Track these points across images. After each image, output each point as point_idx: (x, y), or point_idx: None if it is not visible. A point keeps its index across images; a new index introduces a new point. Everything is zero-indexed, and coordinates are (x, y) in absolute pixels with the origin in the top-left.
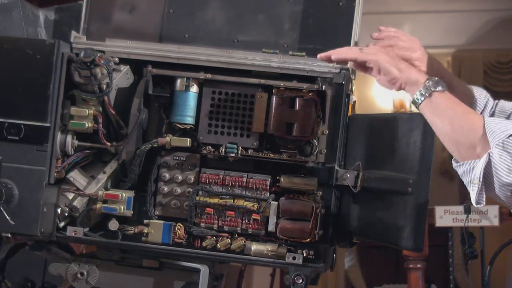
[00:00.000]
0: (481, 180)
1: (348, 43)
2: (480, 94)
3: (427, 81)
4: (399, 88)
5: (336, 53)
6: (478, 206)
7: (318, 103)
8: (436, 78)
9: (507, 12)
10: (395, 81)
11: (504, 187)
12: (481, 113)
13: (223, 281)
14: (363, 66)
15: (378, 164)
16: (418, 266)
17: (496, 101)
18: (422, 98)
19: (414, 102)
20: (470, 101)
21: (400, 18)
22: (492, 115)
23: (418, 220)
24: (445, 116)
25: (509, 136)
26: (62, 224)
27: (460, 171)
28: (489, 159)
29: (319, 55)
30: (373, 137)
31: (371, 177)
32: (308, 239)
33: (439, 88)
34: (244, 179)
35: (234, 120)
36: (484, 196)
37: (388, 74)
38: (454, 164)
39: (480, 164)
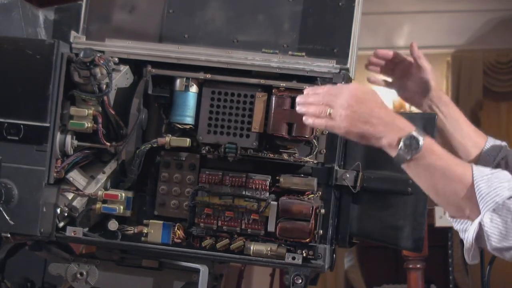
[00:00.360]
0: (473, 243)
1: (348, 43)
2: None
3: (399, 151)
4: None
5: (307, 112)
6: (473, 262)
7: None
8: (413, 134)
9: (507, 12)
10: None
11: (495, 251)
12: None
13: (223, 281)
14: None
15: (378, 164)
16: (418, 266)
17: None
18: (407, 158)
19: (396, 160)
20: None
21: (400, 18)
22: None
23: (418, 220)
24: (430, 176)
25: (501, 203)
26: (61, 224)
27: (454, 226)
28: (480, 226)
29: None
30: None
31: (370, 177)
32: (308, 239)
33: (420, 143)
34: (244, 179)
35: (234, 120)
36: (478, 254)
37: (360, 139)
38: (448, 217)
39: (471, 230)
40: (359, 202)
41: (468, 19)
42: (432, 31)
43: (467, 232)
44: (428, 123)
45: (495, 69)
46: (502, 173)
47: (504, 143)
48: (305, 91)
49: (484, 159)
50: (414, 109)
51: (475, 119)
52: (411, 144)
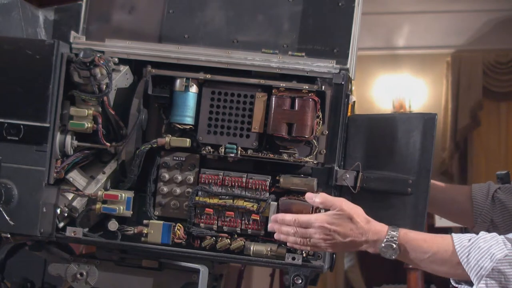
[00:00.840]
0: None
1: (347, 43)
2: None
3: (382, 249)
4: None
5: (287, 241)
6: None
7: (318, 104)
8: (387, 238)
9: (506, 13)
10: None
11: None
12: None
13: (223, 282)
14: None
15: (378, 165)
16: None
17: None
18: (393, 258)
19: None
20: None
21: (399, 19)
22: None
23: (418, 221)
24: (421, 263)
25: (489, 271)
26: (61, 225)
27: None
28: None
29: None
30: (373, 137)
31: (370, 177)
32: None
33: (396, 245)
34: (244, 180)
35: (234, 121)
36: None
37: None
38: (452, 282)
39: None
40: (359, 202)
41: (467, 20)
42: (432, 32)
43: None
44: (428, 123)
45: (495, 69)
46: (481, 241)
47: (489, 182)
48: (272, 218)
49: (477, 201)
50: (414, 109)
51: (475, 119)
52: (388, 250)
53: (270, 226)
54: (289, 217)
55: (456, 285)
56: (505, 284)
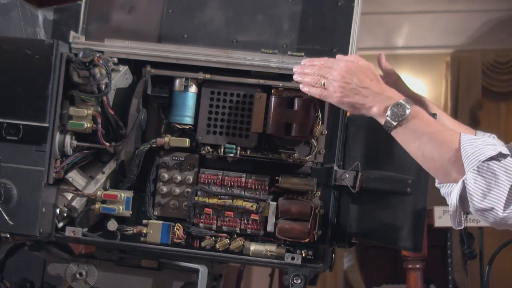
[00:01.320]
0: (458, 205)
1: (347, 43)
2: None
3: (387, 117)
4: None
5: (302, 80)
6: (459, 228)
7: (317, 103)
8: (397, 105)
9: (506, 13)
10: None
11: (479, 212)
12: None
13: (222, 281)
14: None
15: (377, 164)
16: (417, 266)
17: None
18: (394, 124)
19: (385, 128)
20: None
21: (399, 19)
22: None
23: (417, 221)
24: (417, 141)
25: (484, 161)
26: (61, 225)
27: (441, 192)
28: (464, 185)
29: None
30: (372, 137)
31: (369, 177)
32: (307, 240)
33: (407, 111)
34: (243, 180)
35: (233, 121)
36: (463, 218)
37: (352, 109)
38: (436, 184)
39: (455, 190)
40: (358, 202)
41: (467, 20)
42: (431, 31)
43: (452, 193)
44: None
45: (494, 69)
46: (488, 139)
47: (493, 135)
48: (302, 61)
49: None
50: None
51: (474, 119)
52: (398, 111)
53: (296, 70)
54: (318, 58)
55: (439, 185)
56: (492, 187)
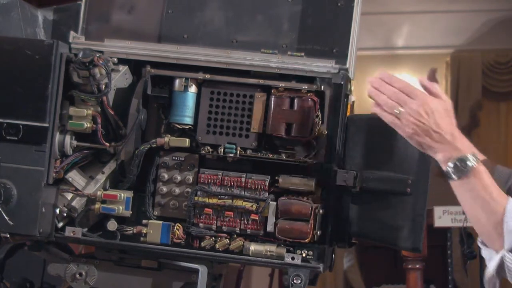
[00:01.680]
0: (494, 274)
1: (347, 43)
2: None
3: (448, 168)
4: None
5: (378, 109)
6: None
7: (317, 104)
8: (467, 156)
9: (506, 13)
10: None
11: None
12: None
13: (222, 281)
14: None
15: (377, 165)
16: (417, 266)
17: None
18: (453, 177)
19: (445, 175)
20: None
21: (399, 19)
22: None
23: (417, 221)
24: (471, 201)
25: None
26: (60, 225)
27: (482, 253)
28: (502, 260)
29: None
30: (372, 137)
31: (369, 177)
32: (307, 240)
33: (468, 168)
34: (243, 180)
35: (233, 121)
36: (498, 283)
37: (418, 146)
38: (479, 242)
39: (494, 261)
40: (358, 202)
41: (467, 20)
42: (431, 32)
43: (491, 262)
44: None
45: (494, 69)
46: None
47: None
48: (380, 75)
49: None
50: None
51: (474, 119)
52: (461, 166)
53: (372, 80)
54: (398, 79)
55: (481, 246)
56: None
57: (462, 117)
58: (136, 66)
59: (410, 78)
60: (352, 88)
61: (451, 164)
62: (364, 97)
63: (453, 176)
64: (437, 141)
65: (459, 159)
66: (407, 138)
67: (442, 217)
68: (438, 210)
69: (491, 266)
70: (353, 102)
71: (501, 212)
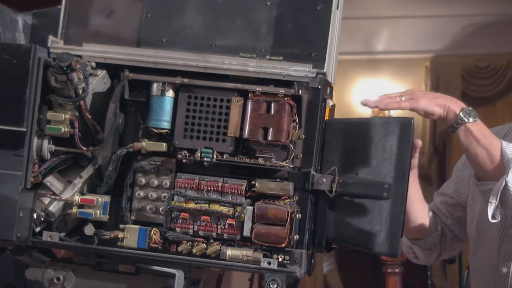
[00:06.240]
0: (497, 199)
1: (325, 48)
2: None
3: (460, 112)
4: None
5: (380, 104)
6: (494, 221)
7: (294, 108)
8: (469, 109)
9: (485, 17)
10: (439, 118)
11: None
12: None
13: (201, 286)
14: None
15: (354, 169)
16: (396, 270)
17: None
18: (456, 127)
19: (449, 129)
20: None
21: (378, 23)
22: None
23: (394, 225)
24: (471, 144)
25: None
26: (38, 229)
27: (480, 189)
28: (506, 183)
29: (362, 101)
30: (350, 141)
31: (346, 182)
32: (284, 244)
33: (470, 119)
34: (220, 184)
35: (210, 125)
36: (499, 212)
37: (433, 115)
38: (475, 182)
39: (497, 186)
40: (336, 207)
41: (446, 24)
42: (411, 36)
43: (493, 189)
44: (404, 127)
45: (474, 74)
46: None
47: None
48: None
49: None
50: (393, 114)
51: None
52: (471, 112)
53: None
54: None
55: (479, 182)
56: None
57: (442, 122)
58: (115, 70)
59: (390, 83)
60: (332, 92)
61: (467, 110)
62: (344, 101)
63: (470, 119)
64: (445, 97)
65: (466, 108)
66: (428, 106)
67: None
68: None
69: (494, 190)
70: (333, 106)
71: (499, 144)
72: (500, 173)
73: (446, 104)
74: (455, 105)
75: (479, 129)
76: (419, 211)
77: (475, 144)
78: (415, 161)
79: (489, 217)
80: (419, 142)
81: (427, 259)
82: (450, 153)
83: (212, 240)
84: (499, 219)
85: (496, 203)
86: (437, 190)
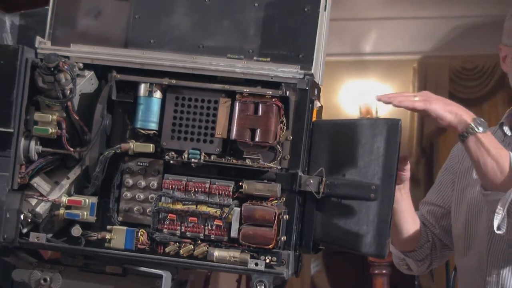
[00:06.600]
0: (505, 211)
1: (312, 49)
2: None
3: (472, 122)
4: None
5: (394, 100)
6: (499, 232)
7: (281, 109)
8: (480, 120)
9: (473, 19)
10: (449, 125)
11: None
12: None
13: (188, 287)
14: None
15: (342, 170)
16: (384, 272)
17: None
18: (467, 136)
19: (460, 137)
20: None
21: (366, 25)
22: None
23: (381, 226)
24: (482, 154)
25: None
26: (25, 230)
27: (487, 199)
28: None
29: (377, 96)
30: (337, 142)
31: (334, 183)
32: (271, 245)
33: (480, 129)
34: (207, 185)
35: (198, 126)
36: (506, 224)
37: (443, 120)
38: (482, 192)
39: (505, 198)
40: (323, 208)
41: (434, 26)
42: (399, 37)
43: (501, 200)
44: (392, 129)
45: (461, 76)
46: None
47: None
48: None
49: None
50: (380, 115)
51: None
52: (480, 123)
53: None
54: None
55: (485, 192)
56: None
57: (429, 123)
58: (103, 71)
59: (377, 84)
60: (319, 93)
61: (478, 120)
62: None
63: (480, 128)
64: (458, 106)
65: (478, 118)
66: (440, 110)
67: None
68: None
69: (502, 203)
70: (321, 107)
71: (507, 156)
72: (508, 185)
73: (458, 112)
74: (467, 115)
75: (489, 140)
76: (411, 223)
77: (485, 154)
78: (406, 174)
79: (495, 228)
80: (406, 156)
81: (419, 270)
82: (438, 154)
83: (199, 241)
84: (504, 230)
85: (504, 214)
86: (424, 191)
